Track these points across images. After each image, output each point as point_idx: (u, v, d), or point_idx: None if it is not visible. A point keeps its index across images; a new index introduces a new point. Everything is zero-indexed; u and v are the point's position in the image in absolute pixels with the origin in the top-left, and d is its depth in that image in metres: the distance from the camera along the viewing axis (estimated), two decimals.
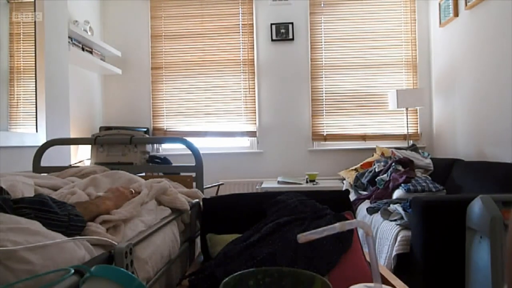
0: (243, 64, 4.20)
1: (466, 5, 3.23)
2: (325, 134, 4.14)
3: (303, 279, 0.78)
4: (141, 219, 1.14)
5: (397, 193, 2.74)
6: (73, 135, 3.34)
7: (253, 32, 4.18)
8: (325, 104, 4.16)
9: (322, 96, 4.16)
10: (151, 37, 4.25)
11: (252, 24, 4.18)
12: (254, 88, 4.18)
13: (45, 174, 1.71)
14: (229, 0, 4.20)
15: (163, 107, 4.25)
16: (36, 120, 2.59)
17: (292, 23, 4.12)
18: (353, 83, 4.14)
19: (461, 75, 3.43)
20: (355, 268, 1.08)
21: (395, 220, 2.37)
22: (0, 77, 2.33)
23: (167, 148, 4.22)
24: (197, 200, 1.59)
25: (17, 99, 2.50)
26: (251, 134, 4.18)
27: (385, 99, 4.05)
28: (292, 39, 4.12)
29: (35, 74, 2.60)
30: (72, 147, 3.29)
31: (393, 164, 3.07)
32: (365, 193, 3.25)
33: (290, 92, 4.16)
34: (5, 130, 2.33)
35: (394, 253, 2.19)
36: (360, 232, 1.54)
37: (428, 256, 2.01)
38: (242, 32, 4.20)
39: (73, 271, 0.63)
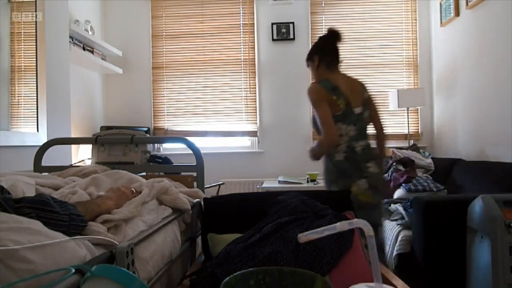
0: (244, 64, 4.19)
1: (467, 4, 3.22)
2: None
3: (304, 278, 0.78)
4: (142, 218, 1.14)
5: (398, 193, 2.74)
6: (74, 134, 3.34)
7: (254, 31, 4.18)
8: None
9: None
10: (152, 37, 4.25)
11: (253, 23, 4.18)
12: (255, 88, 4.18)
13: (46, 173, 1.71)
14: (230, 0, 4.20)
15: (164, 107, 4.25)
16: (37, 119, 2.59)
17: (293, 23, 4.11)
18: None
19: (462, 75, 3.43)
20: (356, 267, 1.08)
21: (396, 220, 2.38)
22: (1, 76, 2.33)
23: (168, 148, 4.22)
24: (198, 199, 1.59)
25: (18, 99, 2.50)
26: (252, 133, 4.18)
27: (386, 98, 4.04)
28: (293, 38, 4.12)
29: (36, 73, 2.60)
30: (73, 146, 3.30)
31: (394, 163, 3.06)
32: None
33: (291, 92, 4.15)
34: (6, 130, 2.33)
35: (395, 252, 2.19)
36: None
37: (429, 256, 2.01)
38: (243, 32, 4.20)
39: (74, 270, 0.63)
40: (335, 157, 1.87)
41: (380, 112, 2.06)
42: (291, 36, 4.12)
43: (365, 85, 1.99)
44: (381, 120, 2.01)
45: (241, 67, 4.20)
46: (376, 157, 1.90)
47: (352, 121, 1.84)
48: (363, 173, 1.80)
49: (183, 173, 2.15)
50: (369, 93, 1.99)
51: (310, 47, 4.06)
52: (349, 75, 1.98)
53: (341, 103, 1.80)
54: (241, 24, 4.21)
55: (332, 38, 1.96)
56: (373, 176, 1.81)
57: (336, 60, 1.95)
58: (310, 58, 2.00)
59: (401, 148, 3.48)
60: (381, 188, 1.85)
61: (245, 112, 4.20)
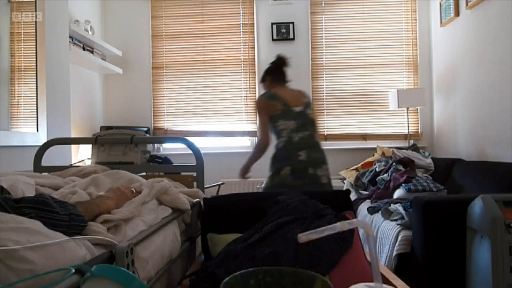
0: (243, 64, 4.19)
1: (467, 4, 3.22)
2: (325, 134, 4.14)
3: (304, 278, 0.78)
4: (142, 218, 1.14)
5: (398, 193, 2.74)
6: (73, 134, 3.34)
7: (253, 31, 4.18)
8: (326, 104, 4.16)
9: (323, 96, 4.16)
10: (152, 37, 4.25)
11: (253, 23, 4.18)
12: (254, 88, 4.18)
13: (46, 173, 1.71)
14: (230, 0, 4.20)
15: (164, 107, 4.25)
16: (37, 119, 2.59)
17: (292, 23, 4.11)
18: (354, 83, 4.13)
19: (462, 74, 3.43)
20: (356, 267, 1.08)
21: (395, 220, 2.37)
22: (1, 76, 2.33)
23: (167, 148, 4.22)
24: (198, 199, 1.59)
25: (18, 99, 2.50)
26: (252, 133, 4.18)
27: (385, 98, 4.05)
28: (293, 38, 4.12)
29: (36, 73, 2.60)
30: (73, 146, 3.30)
31: (394, 163, 3.06)
32: (366, 192, 3.24)
33: None
34: (6, 130, 2.33)
35: (394, 252, 2.19)
36: (361, 231, 1.53)
37: (428, 256, 2.01)
38: (242, 32, 4.20)
39: (73, 270, 0.63)
40: (278, 146, 2.22)
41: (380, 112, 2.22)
42: (291, 36, 4.11)
43: (306, 94, 2.39)
44: (318, 124, 2.38)
45: (241, 67, 4.20)
46: (309, 147, 2.19)
47: (292, 117, 2.20)
48: (291, 160, 2.13)
49: (183, 173, 2.15)
50: (309, 100, 2.37)
51: (310, 47, 4.11)
52: (292, 87, 2.41)
53: (279, 104, 2.21)
54: (241, 24, 4.21)
55: (280, 64, 2.45)
56: (299, 163, 2.12)
57: (284, 80, 2.41)
58: (263, 80, 2.47)
59: (401, 148, 3.48)
60: (307, 174, 2.13)
61: (245, 112, 4.20)
